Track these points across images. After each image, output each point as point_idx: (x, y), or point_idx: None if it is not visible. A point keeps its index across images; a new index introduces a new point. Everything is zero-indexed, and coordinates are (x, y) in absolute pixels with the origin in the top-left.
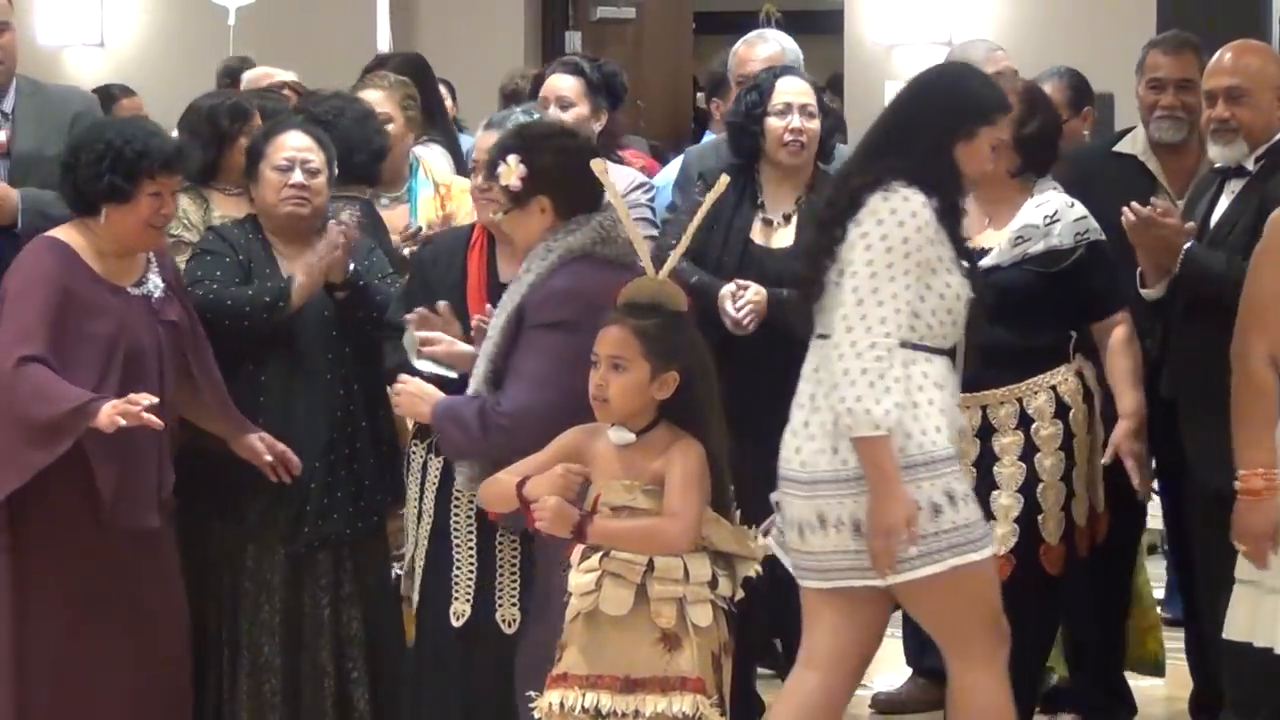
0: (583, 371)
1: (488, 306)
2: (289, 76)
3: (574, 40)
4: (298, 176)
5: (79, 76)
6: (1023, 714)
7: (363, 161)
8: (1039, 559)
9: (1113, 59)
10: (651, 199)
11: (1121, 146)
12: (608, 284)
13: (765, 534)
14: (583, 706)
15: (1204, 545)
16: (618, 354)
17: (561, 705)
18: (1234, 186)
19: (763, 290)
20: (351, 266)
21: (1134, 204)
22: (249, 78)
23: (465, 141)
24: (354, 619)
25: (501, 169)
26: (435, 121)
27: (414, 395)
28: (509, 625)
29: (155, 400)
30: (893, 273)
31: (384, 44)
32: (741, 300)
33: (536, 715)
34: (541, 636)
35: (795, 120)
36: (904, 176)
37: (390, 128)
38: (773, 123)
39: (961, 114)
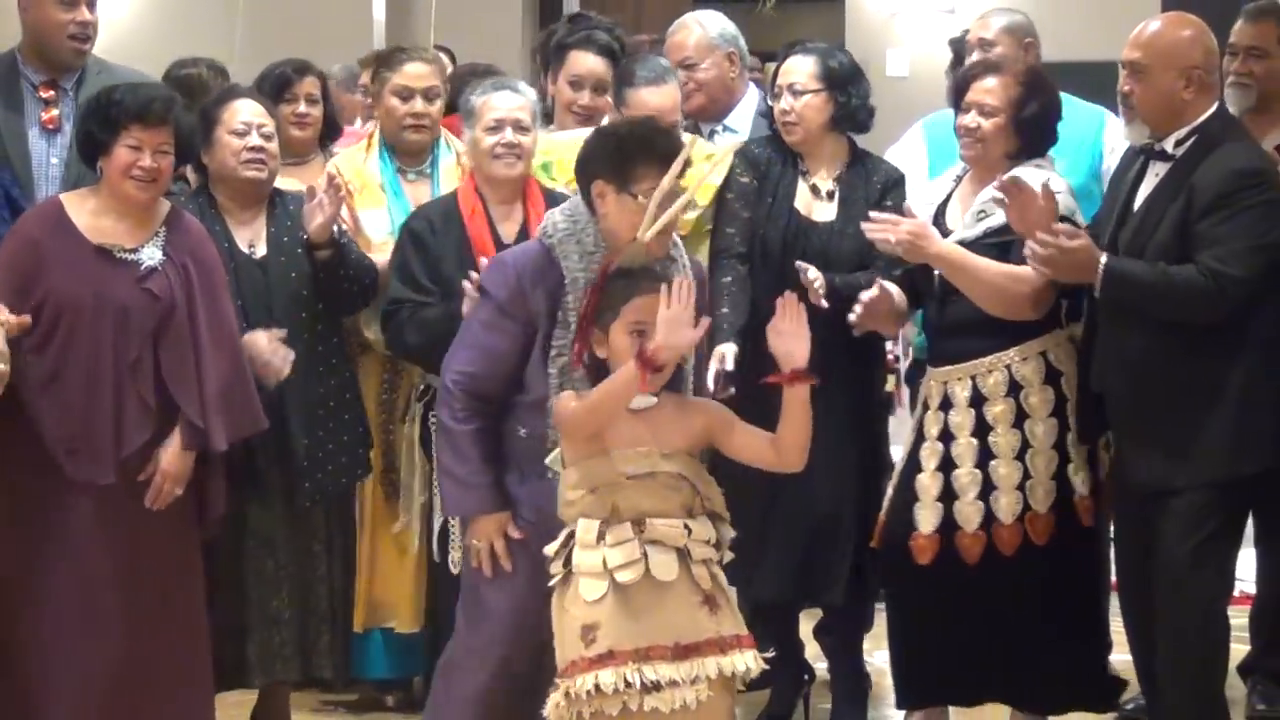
0: None
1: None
2: None
3: (572, 6)
4: (255, 140)
5: None
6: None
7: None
8: (1026, 527)
9: (1119, 29)
10: None
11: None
12: None
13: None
14: (642, 682)
15: (1125, 542)
16: None
17: (614, 686)
18: (1157, 169)
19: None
20: (335, 227)
21: (1040, 235)
22: None
23: None
24: (349, 569)
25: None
26: None
27: None
28: None
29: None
30: None
31: (379, 8)
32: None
33: (559, 701)
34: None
35: (784, 102)
36: None
37: (440, 103)
38: (776, 106)
39: None
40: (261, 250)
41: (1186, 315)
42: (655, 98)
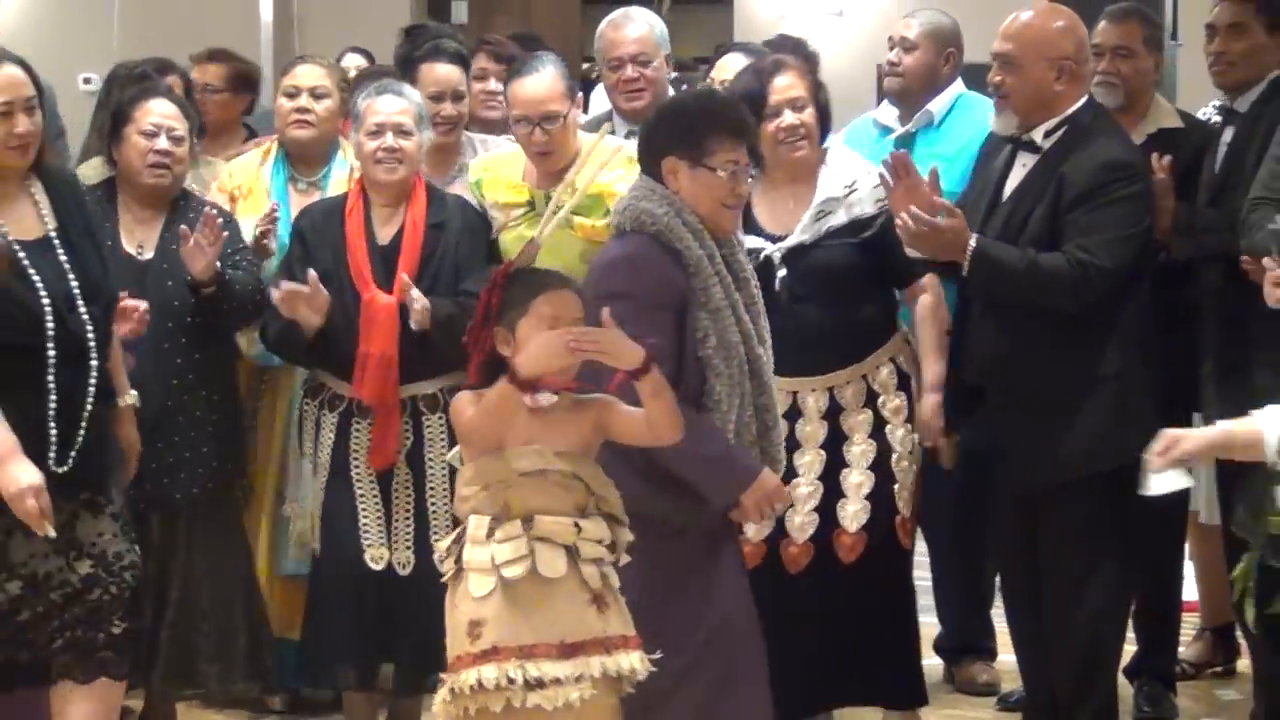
0: None
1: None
2: None
3: (460, 11)
4: (163, 143)
5: None
6: (908, 690)
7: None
8: (895, 532)
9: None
10: None
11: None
12: None
13: None
14: (525, 679)
15: (1010, 542)
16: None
17: (496, 682)
18: (1025, 159)
19: None
20: (217, 264)
21: (914, 210)
22: None
23: None
24: (196, 580)
25: None
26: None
27: None
28: (404, 567)
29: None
30: None
31: (266, 11)
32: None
33: (446, 697)
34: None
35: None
36: None
37: (328, 103)
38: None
39: None
40: (150, 253)
41: (1052, 302)
42: (523, 90)
